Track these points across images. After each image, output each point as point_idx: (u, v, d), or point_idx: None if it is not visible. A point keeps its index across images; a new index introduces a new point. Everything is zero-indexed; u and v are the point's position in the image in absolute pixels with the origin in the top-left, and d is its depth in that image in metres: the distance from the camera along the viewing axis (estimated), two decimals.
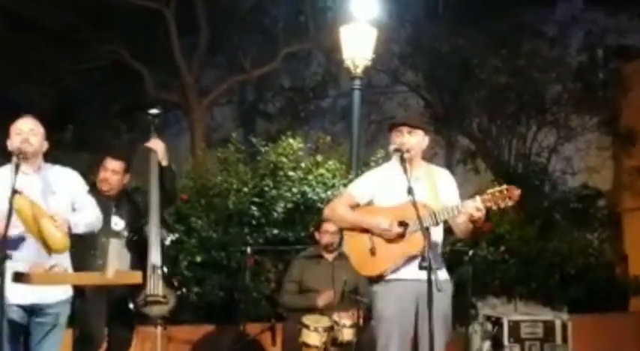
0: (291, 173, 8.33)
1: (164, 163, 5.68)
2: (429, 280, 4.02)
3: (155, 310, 5.37)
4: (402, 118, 4.98)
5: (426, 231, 4.18)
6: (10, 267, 3.84)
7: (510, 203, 4.38)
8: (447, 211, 4.45)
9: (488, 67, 13.15)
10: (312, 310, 6.26)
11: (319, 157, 8.71)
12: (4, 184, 4.16)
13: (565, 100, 12.95)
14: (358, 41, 8.90)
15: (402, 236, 4.52)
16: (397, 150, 4.58)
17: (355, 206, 4.76)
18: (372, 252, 4.58)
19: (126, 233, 5.66)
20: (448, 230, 4.77)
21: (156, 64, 12.63)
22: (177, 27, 12.29)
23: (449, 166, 13.66)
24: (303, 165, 8.50)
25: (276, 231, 8.02)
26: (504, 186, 4.40)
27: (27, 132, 4.38)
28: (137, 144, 13.65)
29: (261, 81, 14.23)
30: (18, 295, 4.00)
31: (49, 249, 4.10)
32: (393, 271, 4.56)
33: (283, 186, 8.26)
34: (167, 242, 5.74)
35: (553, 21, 13.46)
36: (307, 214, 8.21)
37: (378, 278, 4.60)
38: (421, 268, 4.03)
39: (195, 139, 11.43)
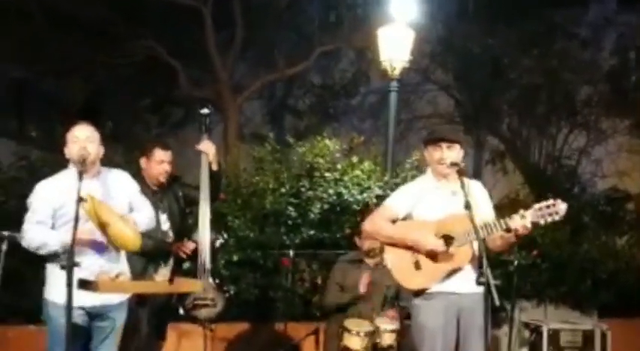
0: (327, 174, 8.38)
1: (214, 166, 5.74)
2: (488, 295, 4.02)
3: (204, 313, 5.45)
4: (441, 132, 4.93)
5: (483, 246, 4.19)
6: (76, 274, 3.92)
7: (557, 218, 4.38)
8: (497, 225, 4.46)
9: (519, 67, 13.14)
10: (354, 305, 6.36)
11: (354, 158, 8.76)
12: (67, 190, 4.27)
13: (596, 102, 12.90)
14: (396, 43, 8.94)
15: (447, 251, 4.57)
16: (455, 164, 4.60)
17: (394, 220, 4.78)
18: (417, 266, 4.62)
19: (171, 233, 5.74)
20: None
21: (190, 60, 12.68)
22: (213, 23, 12.33)
23: (478, 166, 13.68)
24: (339, 166, 8.53)
25: (312, 232, 8.07)
26: (551, 201, 4.40)
27: (84, 140, 4.45)
28: (166, 138, 13.88)
29: (291, 78, 14.26)
30: (82, 297, 4.07)
31: (120, 247, 4.20)
32: (438, 284, 4.60)
33: (319, 187, 8.31)
34: (217, 244, 5.82)
35: (586, 22, 13.41)
36: (343, 216, 8.27)
37: (421, 292, 4.64)
38: (479, 283, 4.05)
39: (229, 136, 11.49)
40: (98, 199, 4.18)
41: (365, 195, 8.31)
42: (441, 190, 4.72)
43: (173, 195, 5.84)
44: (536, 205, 4.40)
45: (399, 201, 4.85)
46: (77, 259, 3.85)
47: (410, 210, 4.76)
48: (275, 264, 7.94)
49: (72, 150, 4.45)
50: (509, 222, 4.42)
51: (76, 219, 3.91)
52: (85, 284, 3.93)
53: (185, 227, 5.96)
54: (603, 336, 7.31)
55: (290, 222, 8.12)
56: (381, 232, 4.81)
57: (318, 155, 8.47)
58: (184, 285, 4.49)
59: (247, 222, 8.08)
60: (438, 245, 4.54)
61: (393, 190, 8.43)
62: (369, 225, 4.94)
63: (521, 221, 4.38)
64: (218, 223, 7.89)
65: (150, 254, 5.26)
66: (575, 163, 12.84)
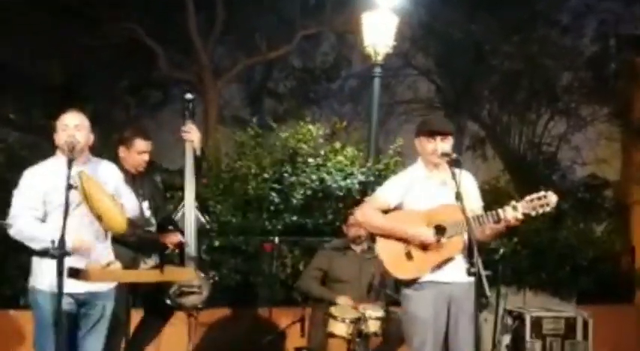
0: (310, 160, 8.35)
1: (198, 152, 5.69)
2: (479, 285, 4.04)
3: (190, 300, 5.41)
4: (435, 124, 4.84)
5: (474, 236, 4.20)
6: (67, 262, 3.90)
7: (548, 209, 4.42)
8: (488, 216, 4.48)
9: (501, 53, 13.14)
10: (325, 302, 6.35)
11: (337, 144, 8.73)
12: (55, 176, 4.24)
13: (576, 89, 12.95)
14: (380, 28, 8.89)
15: (438, 242, 4.57)
16: (446, 154, 4.59)
17: (385, 210, 4.77)
18: (409, 256, 4.62)
19: (154, 221, 5.68)
20: None
21: (170, 42, 12.57)
22: (194, 6, 12.21)
23: (458, 151, 13.66)
24: (322, 152, 8.50)
25: (294, 217, 8.06)
26: (542, 192, 4.42)
27: (72, 128, 4.41)
28: (144, 119, 13.80)
29: (271, 61, 14.17)
30: (70, 284, 4.04)
31: (108, 227, 4.19)
32: (429, 274, 4.60)
33: (302, 172, 8.28)
34: (208, 226, 5.80)
35: (567, 9, 13.43)
36: (325, 202, 8.27)
37: (412, 282, 4.64)
38: (470, 274, 4.06)
39: (210, 119, 11.41)
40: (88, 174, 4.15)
41: (348, 181, 8.31)
42: (431, 180, 4.71)
43: (152, 181, 5.77)
44: (528, 197, 4.43)
45: (390, 191, 4.83)
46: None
47: (401, 200, 4.74)
48: (257, 249, 7.92)
49: (61, 137, 4.39)
50: (501, 213, 4.45)
51: (66, 207, 3.87)
52: (75, 273, 3.89)
53: (167, 214, 5.90)
54: (585, 323, 7.36)
55: (272, 207, 8.10)
56: (372, 223, 4.80)
57: (301, 141, 8.43)
58: (175, 274, 4.45)
59: (229, 207, 8.04)
60: (429, 236, 4.54)
61: (375, 176, 8.52)
62: (360, 215, 4.93)
63: (513, 212, 4.41)
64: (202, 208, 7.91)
65: (136, 245, 5.20)
66: (554, 150, 12.89)
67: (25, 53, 11.85)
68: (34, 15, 11.39)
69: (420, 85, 14.53)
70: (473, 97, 13.76)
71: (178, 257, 5.63)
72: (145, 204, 5.60)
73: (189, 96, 5.85)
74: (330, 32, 13.85)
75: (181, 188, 5.73)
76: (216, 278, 5.62)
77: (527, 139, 13.18)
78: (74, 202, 4.11)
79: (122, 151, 5.59)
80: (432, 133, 4.69)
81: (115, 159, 5.42)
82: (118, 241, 4.70)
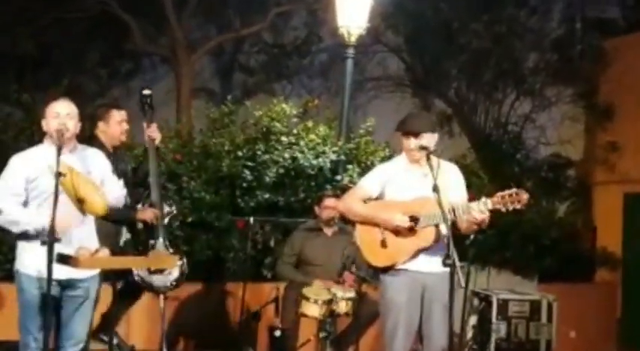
0: (283, 138, 8.44)
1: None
2: (453, 275, 4.21)
3: (159, 280, 5.53)
4: (406, 123, 4.95)
5: (449, 227, 4.37)
6: (56, 249, 3.97)
7: (519, 206, 4.51)
8: (460, 209, 4.62)
9: (470, 32, 13.21)
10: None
11: (310, 123, 8.83)
12: (41, 164, 4.31)
13: (542, 69, 13.10)
14: (354, 10, 8.91)
15: (412, 230, 4.72)
16: (423, 148, 4.74)
17: (368, 200, 4.95)
18: (383, 244, 4.79)
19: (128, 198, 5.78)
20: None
21: (144, 16, 12.50)
22: None
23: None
24: (295, 130, 8.60)
25: (267, 195, 8.17)
26: (514, 190, 4.52)
27: (64, 116, 4.47)
28: (116, 89, 13.77)
29: (243, 36, 14.16)
30: (56, 270, 4.09)
31: (90, 211, 4.29)
32: (403, 263, 4.77)
33: (275, 150, 8.38)
34: (168, 218, 5.92)
35: None
36: (297, 180, 8.39)
37: (388, 269, 4.81)
38: (445, 265, 4.22)
39: (182, 95, 11.41)
40: (77, 170, 4.22)
41: (320, 160, 8.42)
42: (412, 172, 4.88)
43: (122, 159, 5.90)
44: (500, 193, 4.54)
45: (372, 181, 5.01)
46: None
47: (382, 190, 4.91)
48: (228, 226, 8.03)
49: (52, 125, 4.44)
50: (469, 209, 4.59)
51: (56, 195, 3.95)
52: (64, 259, 3.97)
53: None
54: (549, 306, 7.58)
55: (245, 185, 8.21)
56: (353, 210, 4.98)
57: (274, 119, 8.52)
58: (160, 261, 4.56)
59: (202, 184, 8.13)
60: (404, 221, 4.70)
61: (347, 155, 8.65)
62: (342, 204, 5.18)
63: (480, 207, 4.54)
64: (173, 183, 7.99)
65: (115, 219, 5.30)
66: (519, 129, 13.06)
67: None
68: None
69: (389, 63, 14.58)
70: (441, 76, 13.85)
71: (144, 233, 5.80)
72: (121, 181, 5.72)
73: (147, 92, 5.96)
74: (302, 10, 13.85)
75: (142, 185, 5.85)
76: (184, 261, 5.71)
77: (493, 117, 13.32)
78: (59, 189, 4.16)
79: (101, 126, 5.75)
80: (406, 133, 4.86)
81: (90, 136, 5.61)
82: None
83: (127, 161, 6.01)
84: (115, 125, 5.75)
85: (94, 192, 4.31)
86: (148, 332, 6.34)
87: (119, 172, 5.65)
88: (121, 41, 12.89)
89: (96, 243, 4.56)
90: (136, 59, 13.98)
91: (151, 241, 5.65)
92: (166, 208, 5.88)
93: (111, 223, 5.32)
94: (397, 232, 4.76)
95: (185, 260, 5.86)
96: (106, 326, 5.80)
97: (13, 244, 4.66)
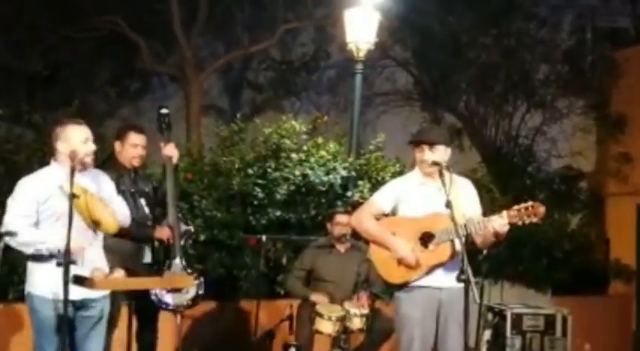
0: (293, 155, 8.44)
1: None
2: (467, 292, 4.18)
3: (175, 299, 5.51)
4: (421, 134, 5.01)
5: (463, 244, 4.34)
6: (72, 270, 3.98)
7: (535, 219, 4.49)
8: (476, 224, 4.58)
9: (478, 45, 13.21)
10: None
11: (319, 139, 8.83)
12: (52, 185, 4.34)
13: (552, 81, 13.06)
14: (362, 25, 8.95)
15: (425, 246, 4.69)
16: (436, 163, 4.72)
17: (380, 215, 4.93)
18: (399, 262, 4.76)
19: (150, 216, 5.79)
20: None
21: (153, 35, 12.55)
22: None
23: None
24: (304, 147, 8.60)
25: (278, 212, 8.16)
26: (530, 203, 4.50)
27: (90, 142, 4.49)
28: (125, 109, 13.82)
29: (251, 52, 14.20)
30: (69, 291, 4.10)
31: (103, 230, 4.31)
32: (418, 280, 4.75)
33: (285, 168, 8.38)
34: (190, 229, 5.90)
35: (545, 2, 13.50)
36: (308, 196, 8.38)
37: (403, 285, 4.78)
38: (459, 280, 4.19)
39: (192, 113, 11.42)
40: (91, 192, 4.24)
41: (330, 176, 8.42)
42: (425, 187, 4.84)
43: (142, 178, 5.90)
44: (516, 207, 4.51)
45: (384, 197, 4.98)
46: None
47: (395, 205, 4.88)
48: (240, 244, 8.02)
49: (78, 148, 4.43)
50: (487, 222, 4.55)
51: (70, 216, 3.95)
52: (80, 281, 3.97)
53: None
54: (564, 320, 7.53)
55: (256, 202, 8.20)
56: (364, 227, 4.97)
57: (284, 136, 8.52)
58: (175, 281, 4.55)
59: (214, 202, 8.12)
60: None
61: (357, 171, 8.64)
62: (354, 221, 5.12)
63: (499, 221, 4.50)
64: (184, 202, 7.98)
65: (134, 237, 5.33)
66: (530, 142, 13.02)
67: (5, 44, 11.78)
68: (15, 4, 11.32)
69: (397, 77, 14.56)
70: (450, 89, 13.83)
71: (163, 253, 5.77)
72: (142, 200, 5.74)
73: (164, 111, 5.90)
74: (310, 26, 13.88)
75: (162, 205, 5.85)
76: (202, 280, 5.67)
77: (503, 131, 13.29)
78: (67, 210, 4.17)
79: (117, 146, 5.76)
80: (417, 143, 4.83)
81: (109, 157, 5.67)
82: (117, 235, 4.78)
83: (148, 181, 5.98)
84: (129, 148, 5.72)
85: (106, 211, 4.33)
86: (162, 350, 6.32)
87: (140, 192, 5.73)
88: (129, 60, 12.94)
89: (105, 263, 4.56)
90: (145, 78, 14.02)
91: (167, 261, 5.63)
92: (184, 227, 5.83)
93: (130, 241, 5.35)
94: (411, 248, 4.74)
95: (202, 279, 5.78)
96: None
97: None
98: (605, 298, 10.67)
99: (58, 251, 4.05)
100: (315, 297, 6.52)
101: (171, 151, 5.76)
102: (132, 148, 5.71)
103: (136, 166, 5.77)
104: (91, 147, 4.47)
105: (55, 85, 11.59)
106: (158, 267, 5.61)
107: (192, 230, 6.14)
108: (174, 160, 5.80)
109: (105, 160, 5.60)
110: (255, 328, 6.90)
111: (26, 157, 7.64)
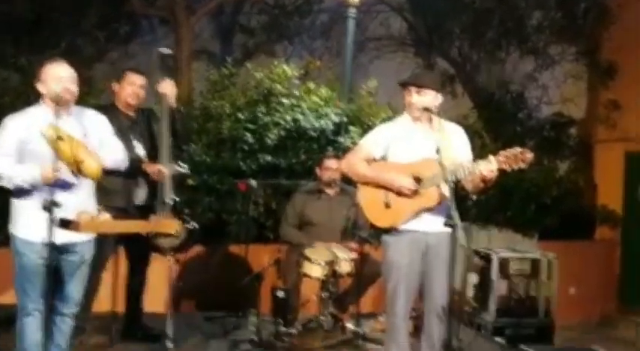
0: (284, 100, 8.43)
1: (174, 105, 5.77)
2: (453, 235, 4.23)
3: (166, 242, 5.55)
4: (411, 77, 5.01)
5: (450, 188, 4.38)
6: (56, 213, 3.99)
7: (523, 166, 4.50)
8: (464, 169, 4.60)
9: None
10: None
11: (311, 84, 8.80)
12: (36, 125, 4.31)
13: (545, 28, 12.98)
14: None
15: (415, 191, 4.74)
16: (426, 109, 4.74)
17: (370, 160, 4.93)
18: (387, 205, 4.80)
19: (146, 160, 5.81)
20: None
21: None
22: None
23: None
24: (296, 92, 8.58)
25: (269, 158, 8.18)
26: (518, 149, 4.49)
27: (67, 79, 4.46)
28: (114, 53, 13.68)
29: None
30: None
31: (82, 174, 4.28)
32: (405, 223, 4.79)
33: (276, 112, 8.37)
34: (183, 170, 5.90)
35: None
36: (299, 142, 8.39)
37: (391, 229, 4.83)
38: (446, 225, 4.24)
39: (182, 57, 11.33)
40: (76, 138, 4.24)
41: (322, 121, 8.42)
42: (415, 133, 4.86)
43: (146, 125, 5.93)
44: (503, 152, 4.52)
45: (374, 141, 4.99)
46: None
47: (384, 152, 4.90)
48: (230, 188, 8.05)
49: (54, 88, 4.41)
50: (475, 166, 4.57)
51: (55, 156, 3.96)
52: (66, 224, 3.99)
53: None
54: (550, 264, 7.61)
55: (246, 147, 8.22)
56: (356, 171, 4.98)
57: (275, 81, 8.49)
58: (162, 225, 4.59)
59: (203, 147, 8.14)
60: (408, 183, 4.71)
61: (349, 116, 8.64)
62: (345, 164, 5.14)
63: (487, 166, 4.52)
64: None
65: (123, 172, 5.30)
66: (522, 89, 13.00)
67: None
68: None
69: (392, 22, 14.48)
70: (444, 35, 13.75)
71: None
72: (139, 144, 5.80)
73: (166, 51, 5.88)
74: None
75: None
76: (195, 226, 5.69)
77: (495, 77, 13.26)
78: (47, 153, 4.19)
79: (115, 87, 5.85)
80: (405, 85, 4.84)
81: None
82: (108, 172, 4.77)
83: (152, 127, 5.95)
84: (126, 86, 5.81)
85: (88, 156, 4.30)
86: (152, 294, 6.39)
87: (150, 133, 5.75)
88: (118, 3, 12.76)
89: (94, 207, 4.57)
90: (135, 21, 13.84)
91: (154, 203, 5.65)
92: (177, 168, 5.83)
93: (122, 178, 5.39)
94: (400, 192, 4.77)
95: (196, 226, 5.77)
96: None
97: None
98: (591, 243, 10.80)
99: (34, 180, 4.14)
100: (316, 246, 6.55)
101: (165, 88, 5.72)
102: (129, 86, 5.81)
103: (132, 105, 5.82)
104: (69, 85, 4.43)
105: (42, 29, 11.45)
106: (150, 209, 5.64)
107: (187, 172, 6.14)
108: (172, 98, 5.73)
109: (103, 109, 5.59)
110: (244, 272, 6.99)
111: (11, 100, 7.63)
